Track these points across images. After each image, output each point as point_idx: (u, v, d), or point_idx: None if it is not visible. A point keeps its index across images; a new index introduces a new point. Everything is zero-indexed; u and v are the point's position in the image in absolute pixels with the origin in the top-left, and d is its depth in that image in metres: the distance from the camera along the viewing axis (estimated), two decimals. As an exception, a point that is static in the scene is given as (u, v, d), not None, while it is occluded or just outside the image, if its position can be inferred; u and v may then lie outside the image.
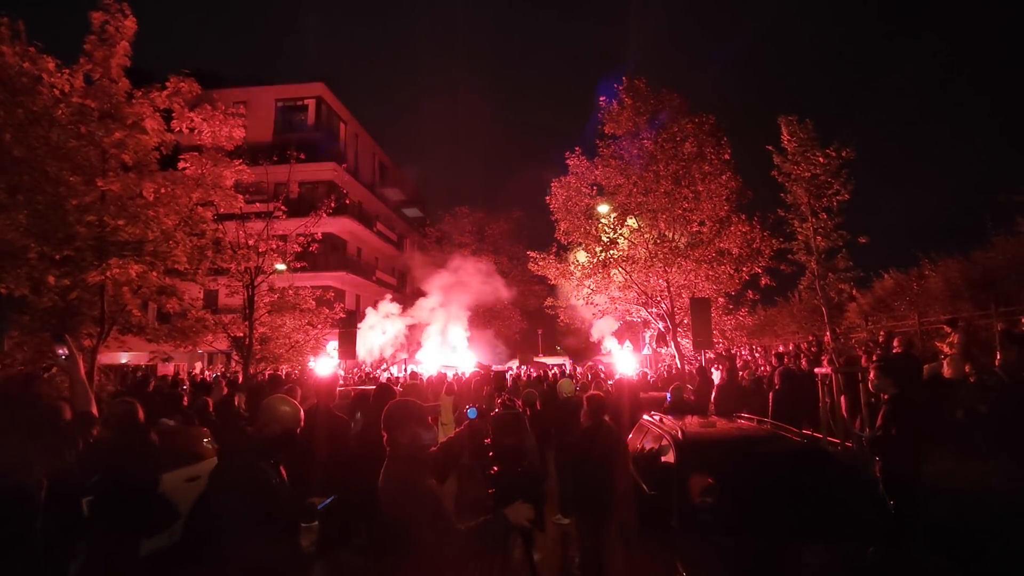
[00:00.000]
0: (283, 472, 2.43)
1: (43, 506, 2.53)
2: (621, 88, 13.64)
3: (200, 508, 2.77)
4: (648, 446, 4.48)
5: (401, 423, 2.18)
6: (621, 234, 13.00)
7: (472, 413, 2.78)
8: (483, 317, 27.04)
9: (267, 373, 10.86)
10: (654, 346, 16.86)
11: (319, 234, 10.60)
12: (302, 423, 2.52)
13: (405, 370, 16.38)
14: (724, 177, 12.71)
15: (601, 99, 14.13)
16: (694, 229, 13.23)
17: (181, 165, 8.44)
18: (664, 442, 4.11)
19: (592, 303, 14.33)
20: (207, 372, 18.13)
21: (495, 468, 2.98)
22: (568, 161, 14.35)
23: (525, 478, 3.02)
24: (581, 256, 14.03)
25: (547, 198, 14.63)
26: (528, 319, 31.03)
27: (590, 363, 20.19)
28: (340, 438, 4.34)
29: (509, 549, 3.88)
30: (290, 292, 10.52)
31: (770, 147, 11.16)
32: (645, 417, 5.14)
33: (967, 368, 6.65)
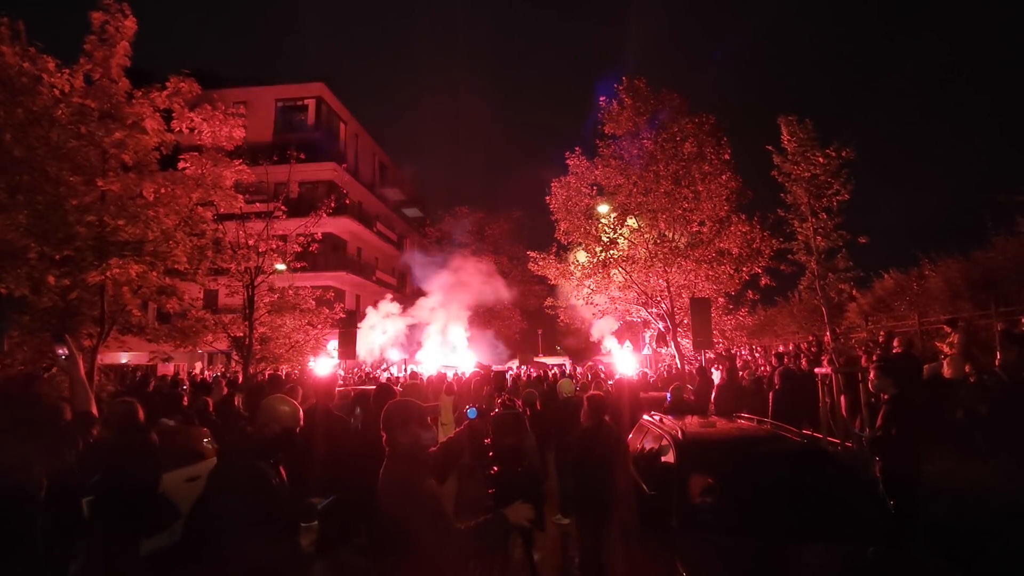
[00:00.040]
0: (283, 472, 2.43)
1: (43, 506, 2.53)
2: (621, 88, 13.64)
3: (200, 508, 2.76)
4: (648, 446, 4.48)
5: (400, 423, 2.18)
6: (621, 234, 13.00)
7: (472, 413, 2.78)
8: (483, 317, 27.05)
9: (267, 373, 10.86)
10: (654, 346, 16.86)
11: (319, 234, 10.60)
12: (301, 423, 2.52)
13: (405, 370, 16.38)
14: (724, 177, 12.71)
15: (601, 99, 14.14)
16: (694, 229, 13.23)
17: (181, 165, 8.44)
18: (664, 442, 4.11)
19: (592, 303, 14.33)
20: (207, 372, 18.13)
21: (495, 468, 2.98)
22: (568, 161, 14.36)
23: (525, 478, 3.02)
24: (581, 256, 14.03)
25: (547, 198, 14.64)
26: (528, 319, 31.04)
27: (590, 363, 20.20)
28: (339, 438, 4.33)
29: (509, 549, 3.88)
30: (290, 292, 10.51)
31: (770, 147, 11.17)
32: (645, 417, 5.14)
33: (967, 368, 6.65)
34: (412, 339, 21.96)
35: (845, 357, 8.65)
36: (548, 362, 23.76)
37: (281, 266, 10.37)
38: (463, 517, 2.23)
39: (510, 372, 14.89)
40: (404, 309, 21.50)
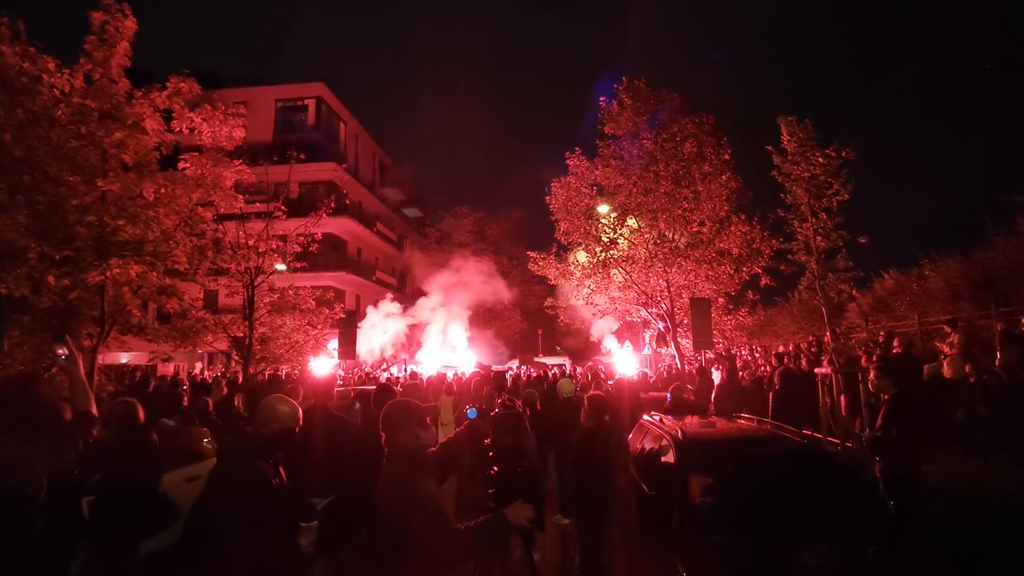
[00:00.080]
0: (282, 472, 2.43)
1: (43, 506, 2.53)
2: (621, 88, 13.64)
3: (200, 508, 2.77)
4: (648, 446, 4.48)
5: (400, 424, 2.18)
6: (621, 234, 13.00)
7: (472, 413, 2.78)
8: (483, 317, 27.06)
9: (267, 373, 10.86)
10: (654, 346, 16.86)
11: (319, 234, 10.59)
12: (300, 423, 2.52)
13: (405, 370, 16.39)
14: (724, 177, 12.71)
15: (601, 99, 14.15)
16: (694, 229, 13.23)
17: (181, 165, 8.43)
18: (664, 442, 4.11)
19: (592, 303, 14.33)
20: (207, 372, 18.14)
21: (495, 468, 2.98)
22: (568, 161, 14.36)
23: (525, 478, 3.02)
24: (581, 256, 14.03)
25: (547, 198, 14.64)
26: (528, 319, 31.04)
27: (590, 363, 20.20)
28: (339, 438, 4.33)
29: (509, 549, 3.89)
30: (290, 292, 10.51)
31: (770, 147, 11.17)
32: (645, 417, 5.14)
33: (967, 368, 6.66)
34: (412, 339, 21.97)
35: (845, 357, 8.66)
36: (548, 362, 23.77)
37: (281, 266, 10.37)
38: (463, 517, 2.23)
39: (510, 372, 14.89)
40: (404, 309, 21.51)
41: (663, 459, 3.98)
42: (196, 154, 8.56)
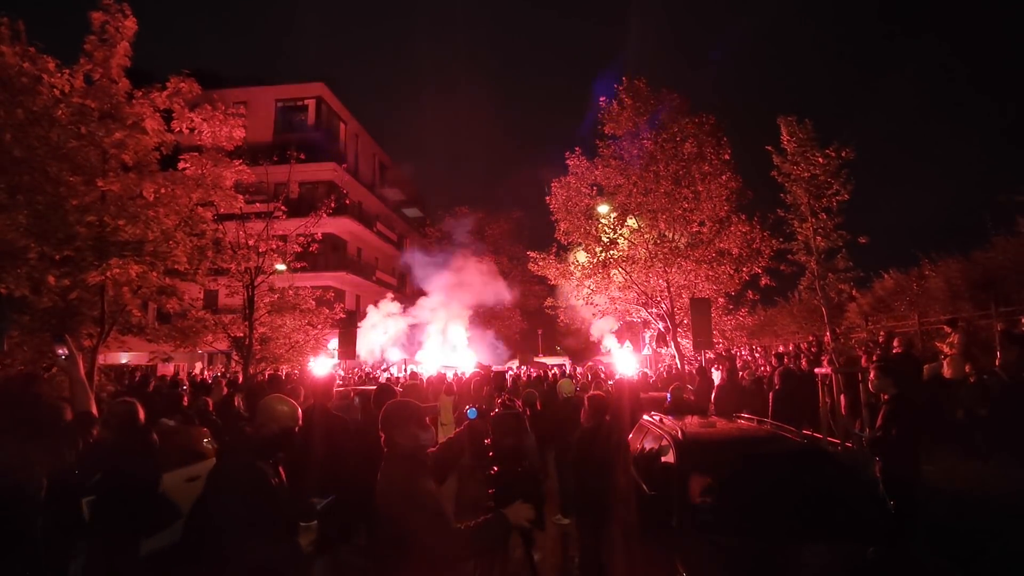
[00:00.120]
0: (282, 472, 2.43)
1: (43, 506, 2.53)
2: (621, 88, 13.64)
3: (199, 508, 2.77)
4: (648, 446, 4.48)
5: (399, 424, 2.18)
6: (621, 234, 13.00)
7: (472, 413, 2.78)
8: (483, 317, 27.06)
9: (267, 373, 10.87)
10: (654, 346, 16.87)
11: (319, 234, 10.60)
12: (300, 422, 2.52)
13: (405, 370, 16.39)
14: (724, 177, 12.71)
15: (601, 99, 14.14)
16: (694, 229, 13.23)
17: (181, 165, 8.43)
18: (664, 442, 4.11)
19: (592, 303, 14.33)
20: (207, 372, 18.14)
21: (495, 468, 2.98)
22: (568, 161, 14.35)
23: (525, 478, 3.02)
24: (581, 256, 14.03)
25: (547, 198, 14.64)
26: (528, 319, 31.05)
27: (590, 363, 20.20)
28: (338, 438, 4.33)
29: (509, 549, 3.88)
30: (290, 292, 10.51)
31: (770, 148, 11.17)
32: (645, 417, 5.14)
33: (967, 368, 6.66)
34: (412, 339, 21.97)
35: (845, 357, 8.66)
36: (548, 362, 23.77)
37: (281, 266, 10.37)
38: (463, 517, 2.23)
39: (510, 372, 14.89)
40: (404, 309, 21.51)
41: (663, 459, 3.98)
42: (196, 154, 8.56)
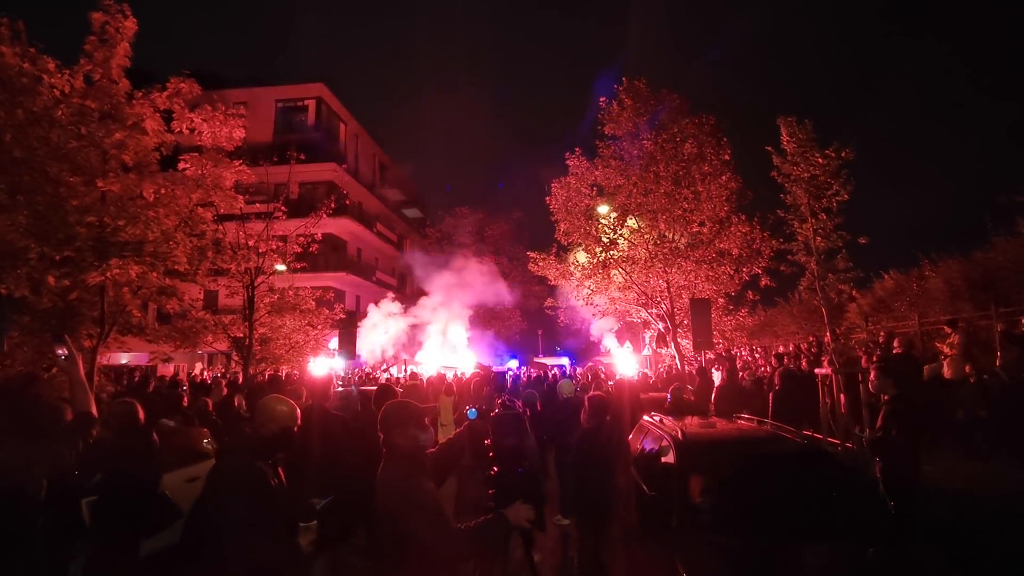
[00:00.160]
0: (281, 472, 2.43)
1: (43, 506, 2.53)
2: (621, 89, 13.65)
3: (199, 508, 2.77)
4: (648, 447, 4.49)
5: (398, 424, 2.18)
6: (621, 235, 13.01)
7: (472, 414, 2.78)
8: (483, 318, 27.07)
9: (267, 374, 10.87)
10: (654, 347, 16.86)
11: (319, 235, 10.60)
12: (299, 422, 2.52)
13: (405, 370, 16.39)
14: (724, 178, 12.72)
15: (601, 100, 14.15)
16: (694, 230, 13.23)
17: (181, 166, 8.43)
18: (664, 443, 4.11)
19: (592, 303, 14.34)
20: (207, 373, 18.14)
21: (495, 469, 2.98)
22: (568, 162, 14.37)
23: (525, 479, 3.02)
24: (581, 257, 14.04)
25: (547, 199, 14.65)
26: (528, 320, 31.07)
27: (590, 364, 20.21)
28: (338, 438, 4.33)
29: (509, 549, 3.88)
30: (290, 293, 10.52)
31: (769, 148, 11.17)
32: (645, 418, 5.15)
33: (967, 369, 6.66)
34: (413, 339, 21.97)
35: (845, 358, 8.67)
36: (548, 363, 23.78)
37: (281, 267, 10.37)
38: (463, 517, 2.23)
39: (510, 372, 14.90)
40: (405, 310, 21.52)
41: (663, 459, 3.99)
42: (196, 154, 8.56)
